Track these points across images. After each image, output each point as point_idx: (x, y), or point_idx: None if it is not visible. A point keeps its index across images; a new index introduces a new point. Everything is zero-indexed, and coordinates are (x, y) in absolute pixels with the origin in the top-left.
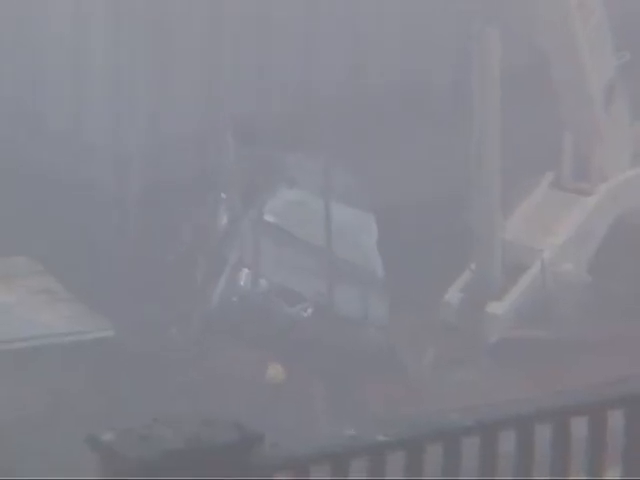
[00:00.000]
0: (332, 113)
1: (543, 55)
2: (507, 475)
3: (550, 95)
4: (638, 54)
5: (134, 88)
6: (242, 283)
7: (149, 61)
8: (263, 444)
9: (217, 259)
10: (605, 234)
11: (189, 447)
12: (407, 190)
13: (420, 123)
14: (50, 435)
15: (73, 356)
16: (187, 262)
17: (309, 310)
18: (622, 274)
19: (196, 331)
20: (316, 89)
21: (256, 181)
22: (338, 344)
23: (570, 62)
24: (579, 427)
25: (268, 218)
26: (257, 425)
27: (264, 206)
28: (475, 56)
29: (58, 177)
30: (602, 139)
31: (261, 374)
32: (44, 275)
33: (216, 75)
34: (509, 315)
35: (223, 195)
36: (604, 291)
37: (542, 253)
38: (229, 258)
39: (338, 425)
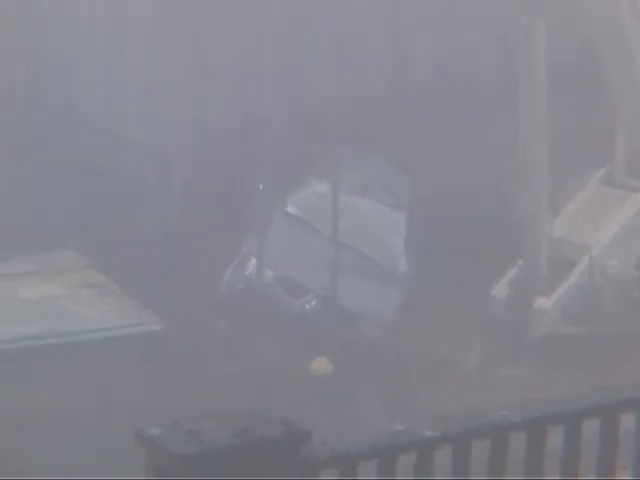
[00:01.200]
0: (380, 108)
1: (596, 49)
2: (553, 471)
3: (604, 90)
4: None
5: (179, 85)
6: (247, 272)
7: (193, 57)
8: (310, 440)
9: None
10: None
11: (236, 443)
12: (456, 180)
13: (468, 116)
14: (99, 429)
15: (121, 350)
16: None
17: (313, 302)
18: None
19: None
20: (362, 86)
21: (289, 173)
22: (342, 336)
23: (620, 57)
24: (628, 422)
25: (291, 209)
26: (302, 418)
27: (289, 198)
28: (521, 49)
29: (104, 172)
30: None
31: (305, 367)
32: (91, 269)
33: (257, 73)
34: (556, 311)
35: (261, 186)
36: None
37: (590, 249)
38: (242, 247)
39: (386, 422)
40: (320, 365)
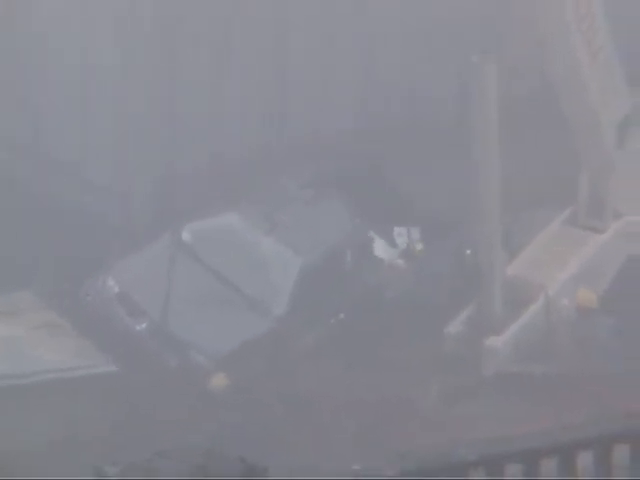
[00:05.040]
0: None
1: (556, 93)
2: None
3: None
4: None
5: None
6: (98, 284)
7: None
8: (267, 477)
9: None
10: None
11: None
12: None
13: (426, 154)
14: (57, 467)
15: (77, 390)
16: None
17: (144, 324)
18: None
19: None
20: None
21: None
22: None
23: (579, 98)
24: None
25: (185, 235)
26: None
27: (190, 225)
28: (473, 88)
29: (63, 211)
30: (616, 177)
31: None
32: (48, 310)
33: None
34: (509, 349)
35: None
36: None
37: (547, 288)
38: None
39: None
40: (218, 381)
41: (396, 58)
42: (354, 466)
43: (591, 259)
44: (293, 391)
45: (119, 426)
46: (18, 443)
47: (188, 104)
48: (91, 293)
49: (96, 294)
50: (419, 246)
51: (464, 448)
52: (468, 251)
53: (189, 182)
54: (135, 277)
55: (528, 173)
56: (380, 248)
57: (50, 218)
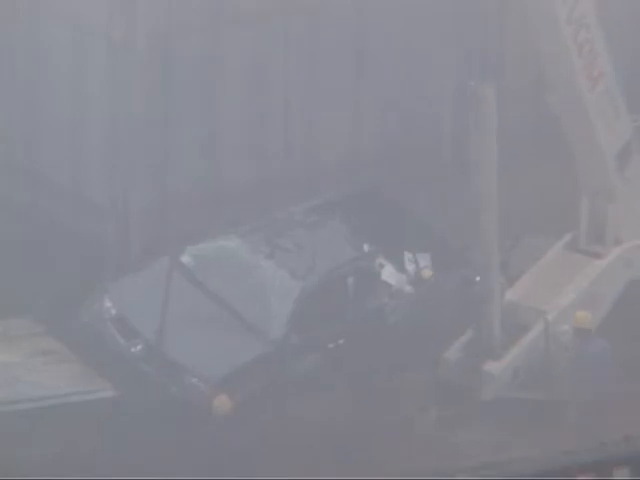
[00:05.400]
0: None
1: (557, 117)
2: None
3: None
4: None
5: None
6: (95, 306)
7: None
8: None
9: None
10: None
11: None
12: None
13: (420, 185)
14: None
15: (75, 416)
16: None
17: (139, 347)
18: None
19: None
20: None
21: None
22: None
23: (579, 123)
24: None
25: (185, 258)
26: None
27: (191, 247)
28: (472, 113)
29: (59, 232)
30: (616, 202)
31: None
32: (46, 336)
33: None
34: (507, 375)
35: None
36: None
37: (547, 314)
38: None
39: None
40: (221, 402)
41: (392, 77)
42: None
43: (591, 285)
44: (289, 414)
45: (116, 451)
46: (11, 468)
47: (186, 126)
48: (88, 315)
49: (93, 316)
50: (428, 272)
51: (462, 474)
52: (478, 278)
53: (188, 205)
54: (132, 299)
55: (528, 198)
56: (389, 273)
57: (46, 240)
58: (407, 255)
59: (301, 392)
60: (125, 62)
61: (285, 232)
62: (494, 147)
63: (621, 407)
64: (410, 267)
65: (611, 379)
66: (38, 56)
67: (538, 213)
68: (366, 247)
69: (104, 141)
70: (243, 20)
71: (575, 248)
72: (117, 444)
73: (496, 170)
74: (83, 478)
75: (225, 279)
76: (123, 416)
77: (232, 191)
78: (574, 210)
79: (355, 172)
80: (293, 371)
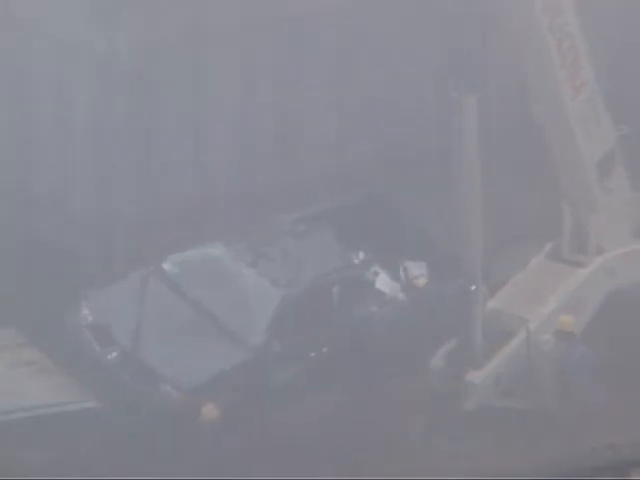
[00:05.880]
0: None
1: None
2: None
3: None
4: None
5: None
6: (73, 314)
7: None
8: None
9: None
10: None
11: None
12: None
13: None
14: None
15: (57, 427)
16: None
17: (114, 354)
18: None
19: None
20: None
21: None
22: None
23: (561, 132)
24: None
25: (167, 266)
26: None
27: (173, 255)
28: (455, 122)
29: (43, 244)
30: (598, 212)
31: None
32: (29, 347)
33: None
34: (489, 384)
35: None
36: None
37: (528, 322)
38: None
39: None
40: (208, 410)
41: (380, 87)
42: None
43: (573, 293)
44: (271, 422)
45: (96, 461)
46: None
47: (170, 139)
48: (68, 324)
49: (72, 324)
50: (423, 280)
51: None
52: (473, 287)
53: (173, 218)
54: (110, 306)
55: (512, 207)
56: (383, 282)
57: (29, 253)
58: (402, 264)
59: (282, 400)
60: (109, 75)
61: (272, 241)
62: (477, 157)
63: (604, 414)
64: (404, 275)
65: (593, 386)
66: (21, 69)
67: (522, 222)
68: (361, 255)
69: (88, 154)
70: (227, 32)
71: (558, 257)
72: (97, 453)
73: (479, 180)
74: (82, 478)
75: (207, 287)
76: (104, 425)
77: (218, 203)
78: (557, 219)
79: (346, 183)
80: (275, 378)
